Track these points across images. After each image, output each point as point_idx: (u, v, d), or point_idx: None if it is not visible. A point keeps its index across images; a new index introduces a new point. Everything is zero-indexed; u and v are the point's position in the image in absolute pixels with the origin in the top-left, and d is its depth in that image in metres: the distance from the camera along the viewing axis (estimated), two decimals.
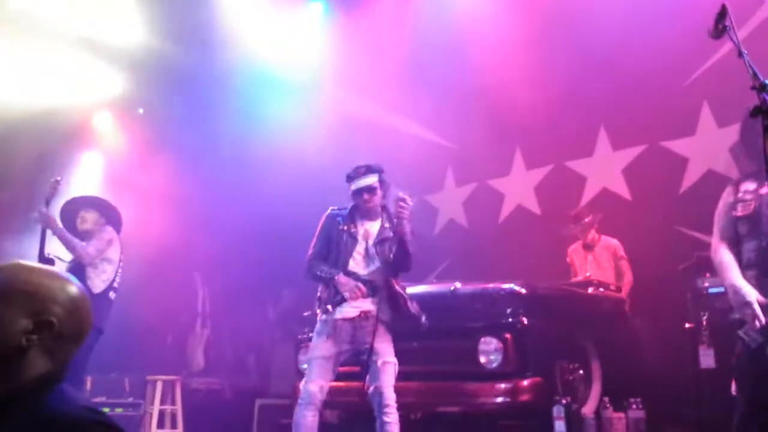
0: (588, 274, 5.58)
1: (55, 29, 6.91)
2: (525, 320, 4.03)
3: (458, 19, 7.31)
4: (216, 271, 7.34)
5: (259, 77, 7.92)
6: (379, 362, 3.76)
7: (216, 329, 7.59)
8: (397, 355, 4.48)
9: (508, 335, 3.99)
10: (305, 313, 5.27)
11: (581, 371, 4.40)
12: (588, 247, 5.95)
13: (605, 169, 6.65)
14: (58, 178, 4.96)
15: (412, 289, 4.77)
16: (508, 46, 6.82)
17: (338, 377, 4.84)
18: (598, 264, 5.81)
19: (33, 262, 1.50)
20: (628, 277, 5.72)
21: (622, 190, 6.53)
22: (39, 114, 7.06)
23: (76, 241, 4.82)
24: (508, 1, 7.18)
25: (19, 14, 6.68)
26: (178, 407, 6.38)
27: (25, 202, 6.83)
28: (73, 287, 1.49)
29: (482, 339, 4.03)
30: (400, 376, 4.35)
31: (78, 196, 5.33)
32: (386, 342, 3.84)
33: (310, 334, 5.12)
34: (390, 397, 3.76)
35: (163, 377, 6.28)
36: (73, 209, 5.13)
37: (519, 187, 7.29)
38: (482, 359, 4.03)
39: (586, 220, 5.92)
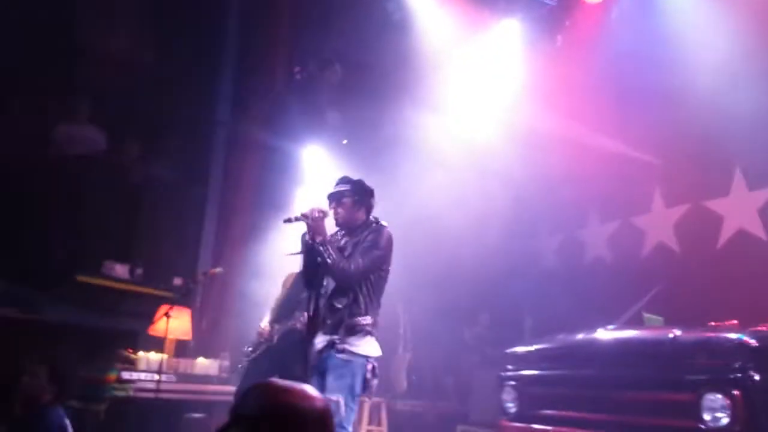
0: None
1: None
2: (756, 375, 3.65)
3: (663, 26, 6.78)
4: (415, 294, 7.45)
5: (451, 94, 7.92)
6: None
7: (417, 352, 7.73)
8: (609, 404, 4.29)
9: (736, 392, 3.63)
10: (507, 350, 5.20)
11: None
12: None
13: None
14: None
15: (625, 333, 4.56)
16: (724, 50, 6.20)
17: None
18: None
19: (284, 381, 1.60)
20: None
21: None
22: None
23: None
24: (721, 3, 6.54)
25: None
26: (384, 428, 6.59)
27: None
28: (320, 403, 1.59)
29: (707, 395, 3.71)
30: (614, 427, 4.15)
31: None
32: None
33: (513, 373, 5.08)
34: None
35: (371, 399, 6.50)
36: None
37: (740, 209, 6.59)
38: (706, 416, 3.72)
39: None
